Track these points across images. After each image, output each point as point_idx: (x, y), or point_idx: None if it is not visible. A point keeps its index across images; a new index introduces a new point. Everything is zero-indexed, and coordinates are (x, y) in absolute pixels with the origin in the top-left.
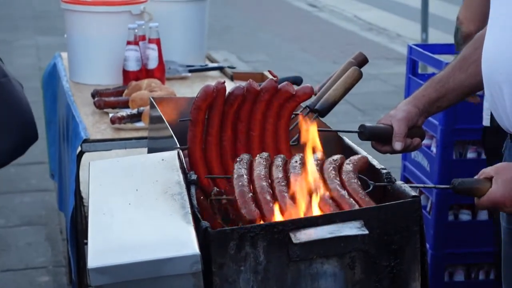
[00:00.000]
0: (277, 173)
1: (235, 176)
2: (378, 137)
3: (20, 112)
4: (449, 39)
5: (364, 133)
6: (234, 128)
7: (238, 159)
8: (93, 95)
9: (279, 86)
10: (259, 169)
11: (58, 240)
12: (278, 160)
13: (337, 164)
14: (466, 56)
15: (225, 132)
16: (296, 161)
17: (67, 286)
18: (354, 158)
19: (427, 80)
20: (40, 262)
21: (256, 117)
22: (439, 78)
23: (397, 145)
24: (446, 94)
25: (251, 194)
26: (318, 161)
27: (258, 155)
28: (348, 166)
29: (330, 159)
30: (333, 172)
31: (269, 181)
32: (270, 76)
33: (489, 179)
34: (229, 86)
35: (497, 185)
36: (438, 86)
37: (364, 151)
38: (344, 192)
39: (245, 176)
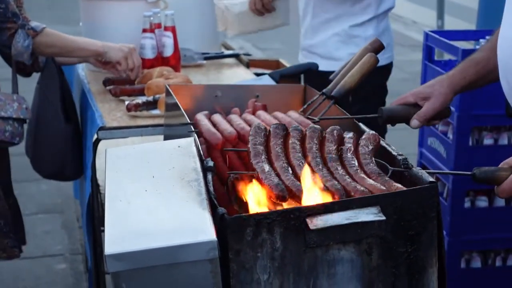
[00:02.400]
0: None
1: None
2: (397, 119)
3: None
4: (465, 26)
5: (382, 117)
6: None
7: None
8: (104, 83)
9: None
10: (276, 150)
11: (75, 227)
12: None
13: (353, 148)
14: None
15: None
16: (312, 147)
17: (84, 274)
18: (367, 139)
19: (445, 66)
20: (57, 250)
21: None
22: (478, 60)
23: (414, 123)
24: (485, 75)
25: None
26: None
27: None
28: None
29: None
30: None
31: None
32: (286, 64)
33: (510, 168)
34: (244, 73)
35: None
36: (478, 67)
37: (382, 138)
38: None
39: (263, 157)
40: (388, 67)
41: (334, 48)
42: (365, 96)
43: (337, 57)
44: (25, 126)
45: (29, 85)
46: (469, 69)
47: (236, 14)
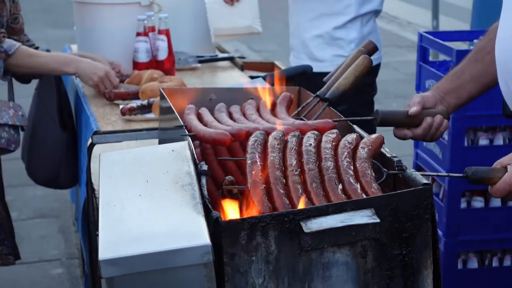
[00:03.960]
0: (291, 160)
1: (248, 162)
2: (392, 122)
3: None
4: (460, 26)
5: (377, 120)
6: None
7: (252, 139)
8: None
9: None
10: (273, 155)
11: (71, 232)
12: (292, 142)
13: (352, 147)
14: (481, 47)
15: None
16: (311, 144)
17: (81, 278)
18: (368, 140)
19: (439, 67)
20: (54, 255)
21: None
22: (454, 71)
23: (413, 109)
24: (461, 85)
25: (264, 185)
26: (333, 143)
27: (271, 135)
28: (363, 152)
29: (345, 141)
30: (348, 159)
31: (283, 168)
32: (281, 67)
33: (504, 168)
34: (239, 76)
35: None
36: (453, 78)
37: None
38: (356, 186)
39: (258, 163)
40: (375, 69)
41: (318, 49)
42: (352, 96)
43: (320, 59)
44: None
45: (26, 91)
46: (444, 79)
47: (208, 5)
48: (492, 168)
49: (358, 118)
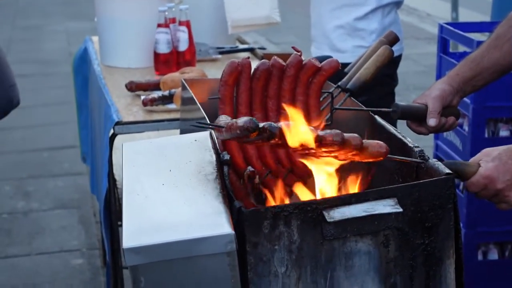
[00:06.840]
0: None
1: None
2: (411, 116)
3: (8, 74)
4: (479, 18)
5: (397, 112)
6: (264, 106)
7: None
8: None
9: (303, 61)
10: None
11: (92, 223)
12: None
13: None
14: (500, 34)
15: (255, 110)
16: None
17: (101, 269)
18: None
19: (460, 58)
20: (74, 245)
21: (285, 94)
22: (473, 57)
23: (432, 121)
24: (480, 72)
25: None
26: None
27: None
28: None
29: None
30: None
31: None
32: (295, 52)
33: (477, 164)
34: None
35: (487, 163)
36: (472, 65)
37: (397, 129)
38: None
39: None
40: (396, 60)
41: (339, 40)
42: (373, 87)
43: (342, 49)
44: None
45: None
46: (463, 66)
47: None
48: (466, 162)
49: (379, 109)
